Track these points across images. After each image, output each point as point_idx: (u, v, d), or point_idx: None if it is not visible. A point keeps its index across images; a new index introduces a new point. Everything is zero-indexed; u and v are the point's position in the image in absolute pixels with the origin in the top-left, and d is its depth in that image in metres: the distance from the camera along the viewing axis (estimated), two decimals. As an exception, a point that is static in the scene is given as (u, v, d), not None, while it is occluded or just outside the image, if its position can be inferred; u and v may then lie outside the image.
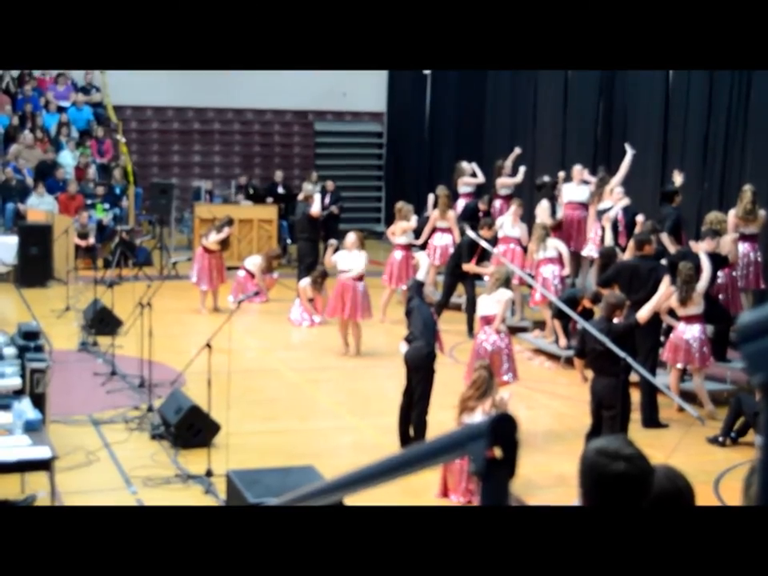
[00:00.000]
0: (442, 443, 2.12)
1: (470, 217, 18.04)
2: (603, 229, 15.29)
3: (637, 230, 14.17)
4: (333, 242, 16.19)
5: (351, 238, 15.31)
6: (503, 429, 1.98)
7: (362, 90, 26.86)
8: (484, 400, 9.63)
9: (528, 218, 17.63)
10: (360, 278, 15.31)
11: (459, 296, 17.34)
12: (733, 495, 9.41)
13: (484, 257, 16.06)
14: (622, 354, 10.04)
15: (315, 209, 18.81)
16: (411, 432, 11.00)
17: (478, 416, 9.46)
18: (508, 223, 16.87)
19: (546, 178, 17.75)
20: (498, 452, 1.98)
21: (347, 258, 15.32)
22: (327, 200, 22.88)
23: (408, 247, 17.60)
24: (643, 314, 11.16)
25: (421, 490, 9.76)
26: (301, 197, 19.72)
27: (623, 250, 14.12)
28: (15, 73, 24.35)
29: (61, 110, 24.19)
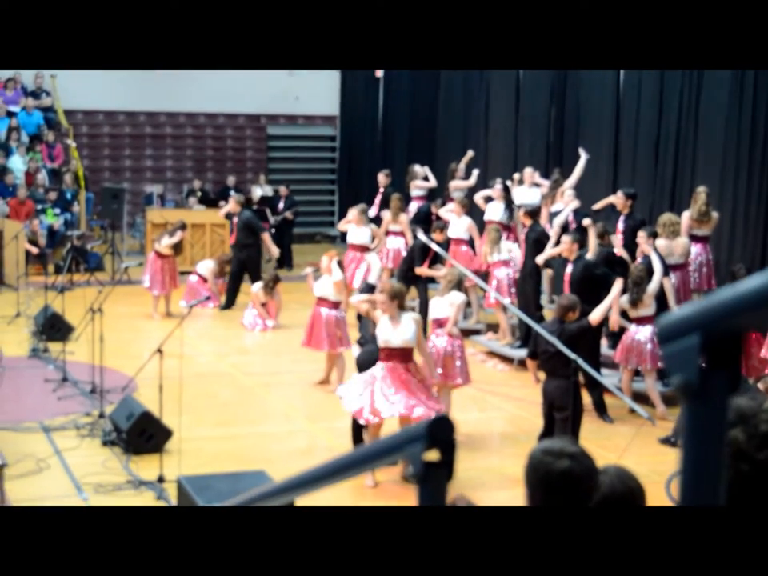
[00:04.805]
0: (380, 447, 2.11)
1: (423, 220, 18.02)
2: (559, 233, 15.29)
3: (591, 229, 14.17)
4: (308, 270, 14.30)
5: (326, 261, 13.61)
6: (440, 431, 1.97)
7: (315, 94, 26.80)
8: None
9: (479, 221, 17.50)
10: (336, 305, 13.63)
11: (412, 299, 17.33)
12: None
13: (436, 260, 16.04)
14: (572, 355, 10.07)
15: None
16: (364, 435, 10.98)
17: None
18: (454, 220, 16.85)
19: (499, 185, 17.41)
20: (435, 455, 1.96)
21: (324, 284, 13.66)
22: (281, 205, 22.83)
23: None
24: (595, 316, 11.21)
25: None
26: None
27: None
28: (-36, 77, 24.13)
29: (10, 114, 23.92)
